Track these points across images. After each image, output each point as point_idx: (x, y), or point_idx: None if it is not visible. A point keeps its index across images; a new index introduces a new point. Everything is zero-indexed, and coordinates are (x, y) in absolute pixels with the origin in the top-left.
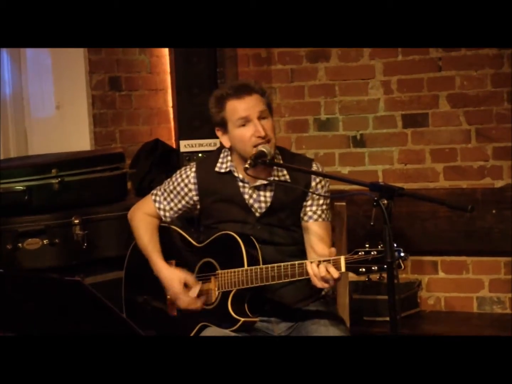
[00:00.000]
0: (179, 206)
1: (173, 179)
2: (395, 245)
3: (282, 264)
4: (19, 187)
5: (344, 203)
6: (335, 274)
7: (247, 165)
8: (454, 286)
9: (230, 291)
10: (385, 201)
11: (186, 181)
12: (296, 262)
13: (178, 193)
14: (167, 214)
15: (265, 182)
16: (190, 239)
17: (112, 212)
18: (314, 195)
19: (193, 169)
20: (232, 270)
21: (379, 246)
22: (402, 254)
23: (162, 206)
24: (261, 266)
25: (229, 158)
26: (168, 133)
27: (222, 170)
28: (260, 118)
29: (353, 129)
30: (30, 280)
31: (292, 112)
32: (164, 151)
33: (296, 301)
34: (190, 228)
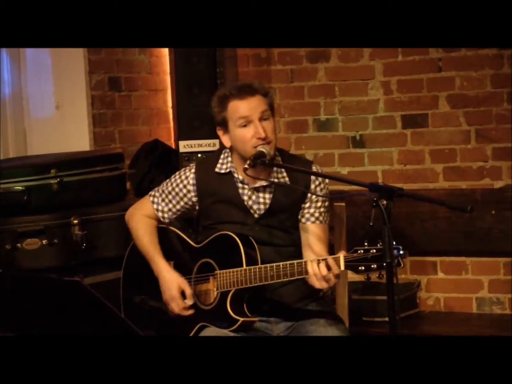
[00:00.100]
0: (178, 207)
1: (172, 180)
2: (394, 243)
3: (280, 263)
4: (18, 187)
5: (343, 204)
6: (336, 269)
7: (246, 166)
8: (454, 286)
9: (229, 291)
10: (385, 202)
11: (185, 182)
12: (295, 261)
13: (177, 194)
14: (166, 215)
15: (264, 183)
16: (188, 239)
17: (111, 213)
18: (313, 198)
19: (193, 170)
20: (231, 270)
21: (378, 244)
22: (401, 252)
23: (160, 208)
24: (260, 265)
25: (229, 159)
26: (167, 133)
27: (222, 171)
28: (262, 119)
29: (352, 130)
30: (29, 280)
31: (291, 112)
32: (163, 151)
33: (295, 301)
34: (188, 228)
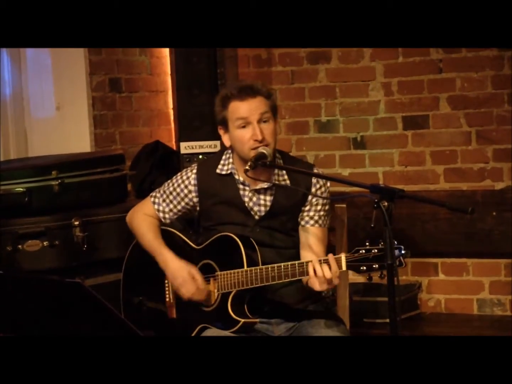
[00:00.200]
0: (179, 207)
1: (174, 180)
2: (395, 242)
3: (282, 264)
4: (19, 188)
5: (344, 205)
6: (337, 269)
7: (247, 167)
8: (455, 288)
9: (230, 292)
10: (386, 203)
11: (186, 182)
12: (296, 262)
13: (178, 194)
14: (167, 215)
15: (265, 185)
16: (188, 241)
17: (112, 214)
18: (313, 201)
19: (194, 171)
20: (232, 271)
21: (380, 244)
22: (403, 252)
23: (161, 208)
24: (261, 266)
25: (230, 160)
26: (168, 134)
27: (223, 172)
28: (261, 121)
29: (353, 131)
30: (30, 282)
31: (292, 113)
32: (164, 152)
33: (296, 302)
34: (189, 230)
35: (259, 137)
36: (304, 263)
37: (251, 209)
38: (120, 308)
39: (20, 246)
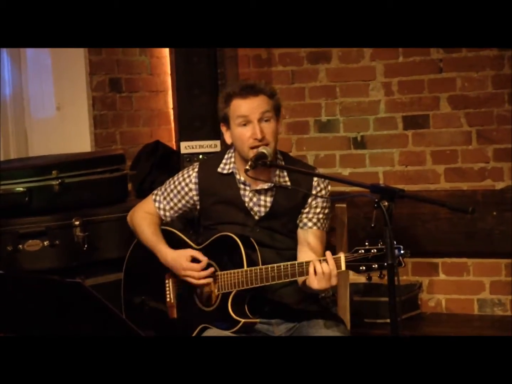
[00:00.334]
0: (179, 205)
1: (175, 178)
2: (394, 242)
3: (281, 264)
4: (20, 188)
5: (344, 205)
6: (333, 263)
7: (247, 167)
8: (455, 288)
9: (230, 292)
10: (386, 203)
11: (188, 180)
12: (296, 262)
13: (179, 192)
14: (167, 213)
15: (266, 186)
16: (188, 241)
17: (113, 214)
18: (313, 203)
19: (196, 169)
20: (232, 271)
21: (379, 244)
22: (402, 252)
23: (162, 206)
24: (261, 266)
25: (232, 159)
26: (168, 134)
27: (225, 171)
28: (262, 120)
29: (353, 131)
30: (31, 282)
31: (292, 113)
32: (164, 152)
33: (296, 302)
34: (189, 229)
35: (259, 136)
36: (304, 263)
37: (251, 209)
38: (121, 308)
39: (20, 246)
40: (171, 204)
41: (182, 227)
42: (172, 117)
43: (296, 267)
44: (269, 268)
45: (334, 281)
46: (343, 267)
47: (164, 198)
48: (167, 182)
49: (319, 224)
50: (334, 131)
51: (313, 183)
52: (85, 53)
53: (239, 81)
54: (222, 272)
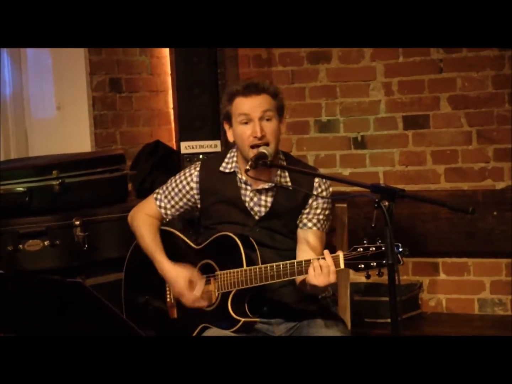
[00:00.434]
0: (181, 203)
1: (177, 177)
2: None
3: (280, 263)
4: (20, 188)
5: (345, 205)
6: (330, 259)
7: (248, 167)
8: (455, 287)
9: (230, 292)
10: (386, 203)
11: (189, 179)
12: (295, 261)
13: (180, 190)
14: (168, 212)
15: (266, 186)
16: (188, 241)
17: (113, 214)
18: (313, 204)
19: (198, 168)
20: (231, 270)
21: (378, 242)
22: (400, 249)
23: (162, 204)
24: (260, 265)
25: (235, 159)
26: (168, 134)
27: (227, 170)
28: (263, 119)
29: (354, 131)
30: (31, 282)
31: (293, 113)
32: (164, 152)
33: (297, 302)
34: (189, 230)
35: (258, 134)
36: (303, 262)
37: (251, 209)
38: (121, 308)
39: (21, 246)
40: (172, 202)
41: (182, 227)
42: (172, 117)
43: (295, 266)
44: (268, 267)
45: (332, 278)
46: (342, 265)
47: (165, 197)
48: (169, 180)
49: (319, 225)
50: (334, 131)
51: (314, 184)
52: (85, 53)
53: (244, 80)
54: (222, 272)
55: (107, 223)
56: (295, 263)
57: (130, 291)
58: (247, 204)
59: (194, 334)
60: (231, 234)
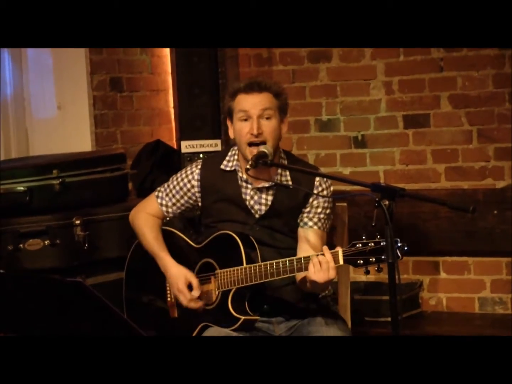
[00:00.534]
0: (182, 201)
1: (178, 175)
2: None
3: (280, 260)
4: (20, 187)
5: (345, 204)
6: (329, 254)
7: (248, 166)
8: (456, 286)
9: (230, 290)
10: (387, 202)
11: (190, 177)
12: (294, 258)
13: (181, 188)
14: (169, 210)
15: (267, 184)
16: (188, 240)
17: (113, 213)
18: (314, 203)
19: (199, 166)
20: (231, 268)
21: (376, 238)
22: (399, 244)
23: (164, 202)
24: (260, 263)
25: (236, 157)
26: (169, 133)
27: (228, 169)
28: (262, 117)
29: (354, 130)
30: (31, 281)
31: (293, 112)
32: (165, 152)
33: (297, 301)
34: (190, 229)
35: (255, 131)
36: (302, 259)
37: (252, 207)
38: (122, 307)
39: (21, 245)
40: (173, 200)
41: (182, 227)
42: (172, 116)
43: (295, 263)
44: (268, 265)
45: (332, 274)
46: (341, 261)
47: (167, 195)
48: (170, 179)
49: (319, 224)
50: (334, 130)
51: (315, 183)
52: (86, 53)
53: (249, 78)
54: (222, 270)
55: (108, 222)
56: (295, 260)
57: (131, 290)
58: (247, 203)
59: (194, 333)
60: (231, 233)
